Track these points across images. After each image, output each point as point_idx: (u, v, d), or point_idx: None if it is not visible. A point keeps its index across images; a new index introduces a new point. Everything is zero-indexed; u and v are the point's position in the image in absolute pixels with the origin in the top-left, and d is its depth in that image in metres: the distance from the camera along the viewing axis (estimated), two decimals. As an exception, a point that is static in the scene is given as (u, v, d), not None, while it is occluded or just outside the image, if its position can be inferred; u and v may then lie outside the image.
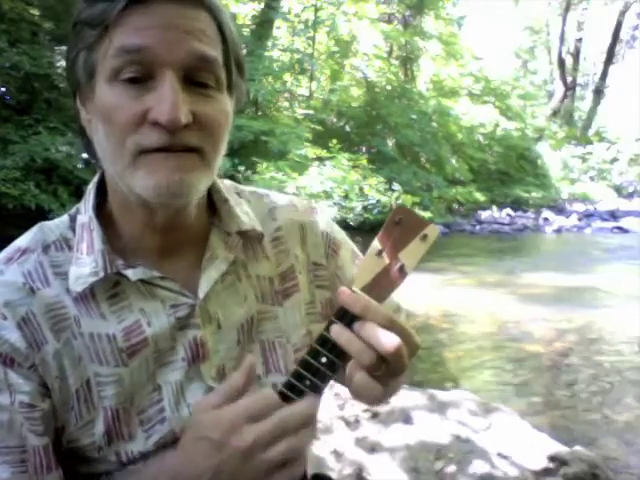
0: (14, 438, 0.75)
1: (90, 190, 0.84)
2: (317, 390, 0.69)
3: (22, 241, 0.82)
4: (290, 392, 0.70)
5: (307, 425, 0.68)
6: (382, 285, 0.70)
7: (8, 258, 0.80)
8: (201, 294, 0.81)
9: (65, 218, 0.85)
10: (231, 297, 0.85)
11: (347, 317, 0.69)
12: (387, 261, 0.70)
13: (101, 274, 0.77)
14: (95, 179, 0.85)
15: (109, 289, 0.80)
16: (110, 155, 0.74)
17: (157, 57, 0.70)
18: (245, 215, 0.87)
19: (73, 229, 0.83)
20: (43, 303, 0.78)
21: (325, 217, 0.99)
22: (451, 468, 2.38)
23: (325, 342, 0.69)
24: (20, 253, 0.81)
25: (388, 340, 0.67)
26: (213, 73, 0.74)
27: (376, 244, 0.71)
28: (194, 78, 0.73)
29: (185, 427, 0.75)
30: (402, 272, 0.70)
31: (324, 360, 0.69)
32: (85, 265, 0.78)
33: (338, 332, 0.69)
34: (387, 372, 0.70)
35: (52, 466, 0.78)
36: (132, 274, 0.78)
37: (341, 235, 0.99)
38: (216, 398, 0.70)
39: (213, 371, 0.83)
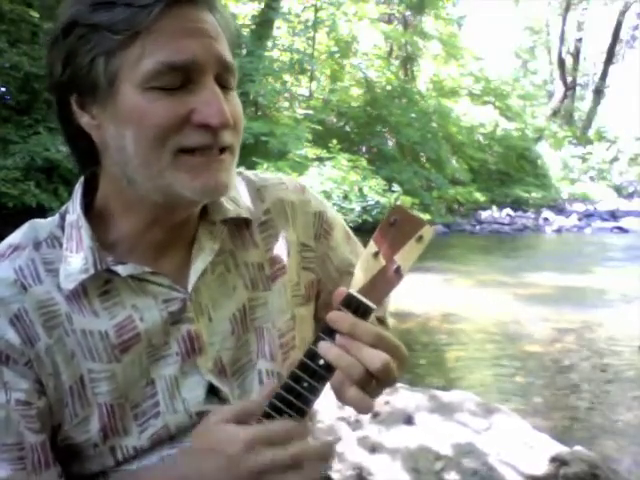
0: (11, 436, 0.75)
1: (77, 190, 0.84)
2: (307, 403, 0.70)
3: (13, 238, 0.82)
4: (281, 404, 0.70)
5: (323, 462, 0.70)
6: (379, 287, 0.70)
7: (0, 255, 0.80)
8: (189, 287, 0.82)
9: (56, 217, 0.85)
10: (220, 288, 0.86)
11: (334, 332, 0.69)
12: (383, 263, 0.70)
13: (91, 271, 0.77)
14: (81, 179, 0.85)
15: (100, 286, 0.79)
16: (142, 158, 0.74)
17: (198, 65, 0.73)
18: (230, 202, 0.87)
19: (62, 227, 0.83)
20: (35, 300, 0.77)
21: (317, 196, 0.99)
22: (451, 468, 2.38)
23: (313, 356, 0.69)
24: (12, 250, 0.80)
25: (375, 358, 0.68)
26: (233, 76, 0.78)
27: (372, 245, 0.70)
28: (221, 82, 0.76)
29: (197, 433, 0.75)
30: (398, 274, 0.70)
31: (313, 374, 0.69)
32: (75, 262, 0.78)
33: (326, 348, 0.69)
34: (377, 386, 0.71)
35: (50, 462, 0.78)
36: (122, 270, 0.79)
37: (334, 214, 0.99)
38: (232, 413, 0.71)
39: (210, 364, 0.83)
